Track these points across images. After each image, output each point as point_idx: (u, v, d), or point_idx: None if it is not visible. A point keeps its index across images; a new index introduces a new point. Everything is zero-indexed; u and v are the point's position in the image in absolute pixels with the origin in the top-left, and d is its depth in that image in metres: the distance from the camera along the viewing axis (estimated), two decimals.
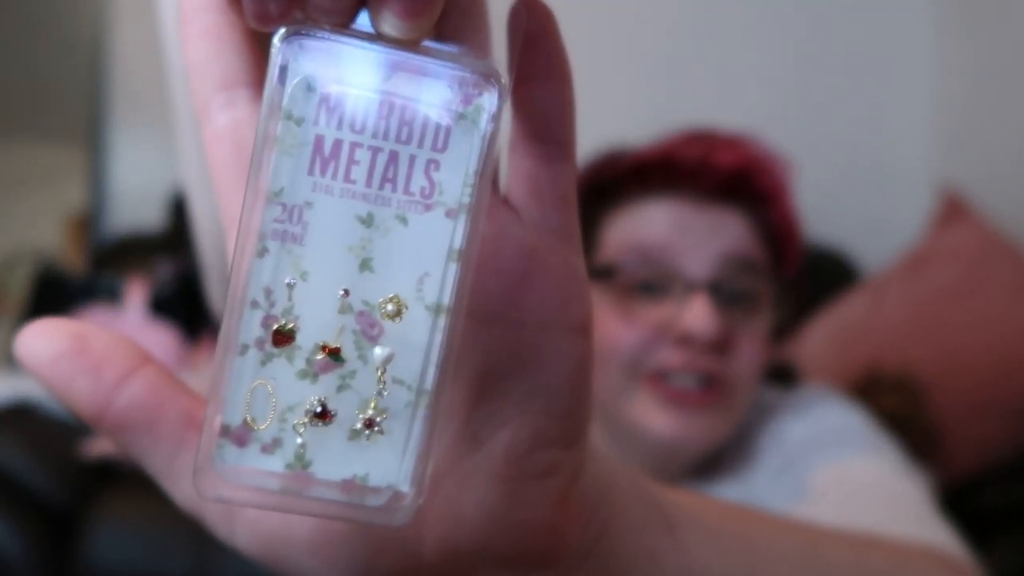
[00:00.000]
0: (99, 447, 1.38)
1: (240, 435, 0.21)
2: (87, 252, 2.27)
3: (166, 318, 1.85)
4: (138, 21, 2.23)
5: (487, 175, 0.21)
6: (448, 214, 0.21)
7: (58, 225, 2.33)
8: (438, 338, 0.21)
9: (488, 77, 0.21)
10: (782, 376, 0.88)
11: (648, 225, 0.71)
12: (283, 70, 0.20)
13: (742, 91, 1.99)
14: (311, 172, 0.20)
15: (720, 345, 0.68)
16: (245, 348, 0.21)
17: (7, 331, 2.10)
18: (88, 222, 2.29)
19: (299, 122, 0.20)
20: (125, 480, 1.36)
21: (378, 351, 0.21)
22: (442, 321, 0.21)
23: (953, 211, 1.52)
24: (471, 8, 0.23)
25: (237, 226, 0.22)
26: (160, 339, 1.78)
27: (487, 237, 0.24)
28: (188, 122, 0.45)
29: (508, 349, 0.24)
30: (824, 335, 1.47)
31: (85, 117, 2.29)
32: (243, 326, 0.21)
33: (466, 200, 0.21)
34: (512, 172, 0.25)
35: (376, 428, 0.21)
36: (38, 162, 2.36)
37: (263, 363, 0.21)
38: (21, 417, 1.46)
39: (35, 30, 2.35)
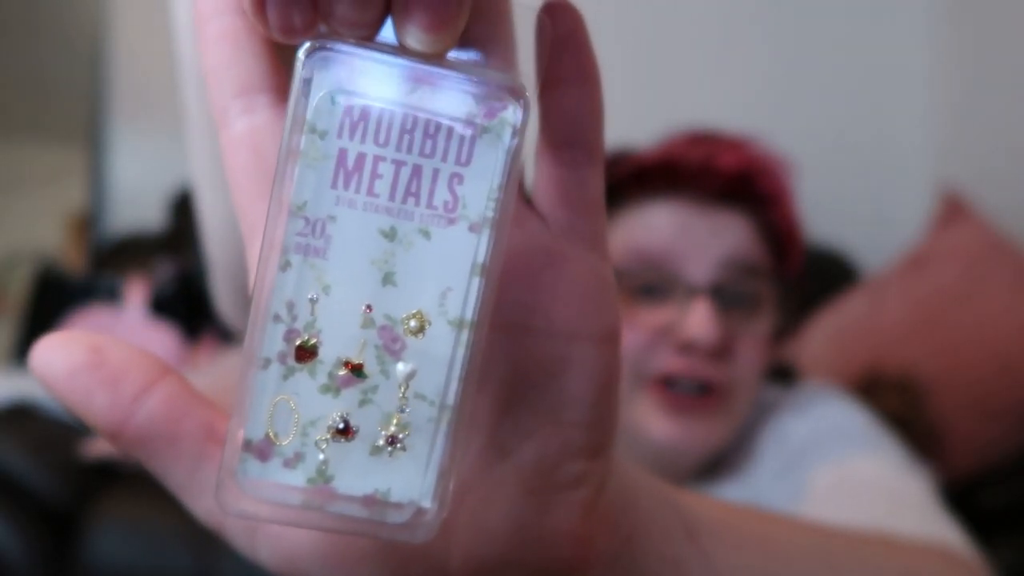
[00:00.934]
0: (99, 447, 1.38)
1: (262, 449, 0.21)
2: (87, 252, 2.27)
3: (166, 318, 1.85)
4: (138, 21, 2.23)
5: (511, 189, 0.21)
6: (471, 228, 0.21)
7: (58, 225, 2.33)
8: (461, 353, 0.21)
9: (512, 90, 0.21)
10: (782, 376, 0.88)
11: (650, 229, 0.70)
12: (307, 83, 0.20)
13: (742, 91, 1.99)
14: (334, 185, 0.20)
15: (721, 351, 0.68)
16: (267, 362, 0.21)
17: (7, 331, 2.10)
18: (88, 222, 2.29)
19: (323, 135, 0.20)
20: (125, 480, 1.36)
21: (401, 367, 0.21)
22: (465, 336, 0.21)
23: (953, 211, 1.52)
24: (495, 16, 0.23)
25: (257, 236, 0.21)
26: (160, 339, 1.78)
27: (513, 245, 0.24)
28: (197, 120, 0.45)
29: (535, 359, 0.24)
30: (824, 335, 1.47)
31: (85, 117, 2.29)
32: (266, 340, 0.21)
33: (490, 214, 0.21)
34: (539, 178, 0.25)
35: (399, 445, 0.21)
36: (38, 162, 2.35)
37: (285, 377, 0.21)
38: (21, 417, 1.46)
39: (35, 30, 2.35)
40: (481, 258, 0.21)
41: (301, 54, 0.20)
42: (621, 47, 1.92)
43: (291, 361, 0.21)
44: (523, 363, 0.24)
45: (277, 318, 0.21)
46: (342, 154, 0.20)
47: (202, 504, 0.25)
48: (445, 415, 0.21)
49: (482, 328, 0.21)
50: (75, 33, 2.32)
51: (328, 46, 0.20)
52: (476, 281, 0.21)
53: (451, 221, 0.21)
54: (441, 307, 0.21)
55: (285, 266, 0.20)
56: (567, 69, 0.23)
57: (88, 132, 2.29)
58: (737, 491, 0.71)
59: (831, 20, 2.02)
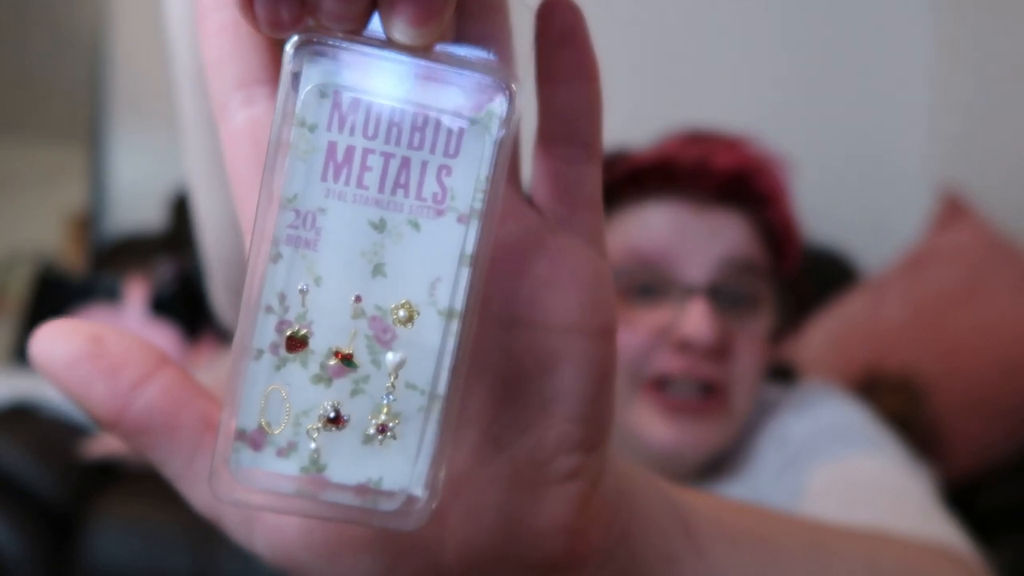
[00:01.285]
0: (99, 447, 1.38)
1: (255, 439, 0.21)
2: (87, 252, 2.27)
3: (166, 318, 1.85)
4: (138, 20, 2.23)
5: (499, 180, 0.21)
6: (460, 219, 0.21)
7: (58, 225, 2.33)
8: (451, 343, 0.21)
9: (499, 83, 0.21)
10: (782, 375, 0.88)
11: (647, 229, 0.70)
12: (295, 77, 0.20)
13: (742, 91, 2.00)
14: (324, 178, 0.21)
15: (719, 350, 0.68)
16: (260, 353, 0.21)
17: (7, 331, 2.10)
18: (88, 222, 2.29)
19: (312, 128, 0.20)
20: (125, 480, 1.36)
21: (390, 356, 0.21)
22: (454, 326, 0.21)
23: (953, 211, 1.52)
24: (493, 13, 0.23)
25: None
26: (160, 339, 1.78)
27: (510, 238, 0.24)
28: (192, 118, 0.45)
29: (530, 353, 0.24)
30: (824, 335, 1.47)
31: (85, 117, 2.29)
32: (257, 331, 0.21)
33: (478, 205, 0.21)
34: (537, 173, 0.25)
35: (389, 433, 0.21)
36: (38, 162, 2.36)
37: (277, 368, 0.21)
38: (21, 417, 1.46)
39: (35, 29, 2.35)
40: (470, 249, 0.21)
41: (289, 48, 0.20)
42: (622, 47, 1.92)
43: (283, 352, 0.21)
44: (519, 357, 0.24)
45: (268, 309, 0.21)
46: (331, 147, 0.21)
47: (199, 493, 0.25)
48: (436, 404, 0.22)
49: (471, 318, 0.21)
50: (75, 33, 2.33)
51: (316, 40, 0.20)
52: (465, 271, 0.21)
53: (440, 212, 0.21)
54: (430, 297, 0.21)
55: (276, 258, 0.21)
56: (566, 65, 0.24)
57: (88, 132, 2.29)
58: (737, 490, 0.71)
59: (833, 20, 2.03)
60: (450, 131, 0.21)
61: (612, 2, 1.92)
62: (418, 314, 0.21)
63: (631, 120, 0.97)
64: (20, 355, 1.93)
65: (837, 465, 0.65)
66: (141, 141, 2.29)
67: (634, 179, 0.72)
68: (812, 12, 2.02)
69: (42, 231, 2.32)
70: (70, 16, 2.37)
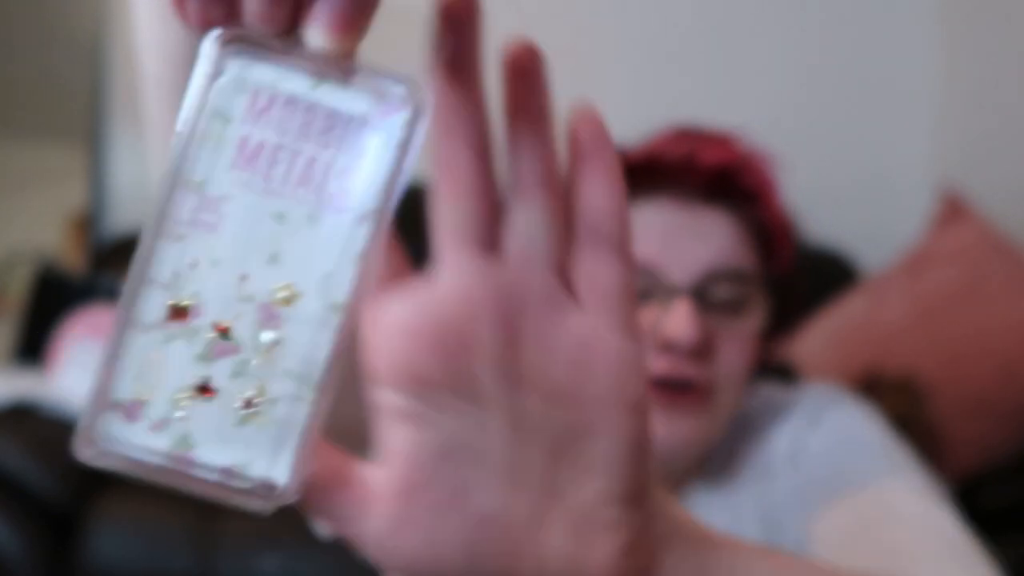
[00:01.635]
0: None
1: (130, 410, 0.22)
2: (87, 252, 2.27)
3: None
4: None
5: (398, 184, 0.22)
6: (357, 218, 0.22)
7: (58, 225, 2.33)
8: (331, 335, 0.22)
9: (407, 93, 0.22)
10: (782, 375, 0.88)
11: (635, 231, 0.70)
12: (215, 70, 0.21)
13: (744, 92, 1.99)
14: (233, 168, 0.22)
15: (702, 350, 0.68)
16: (146, 327, 0.22)
17: (7, 331, 2.10)
18: (88, 222, 2.29)
19: (226, 121, 0.21)
20: (125, 480, 1.36)
21: (264, 335, 0.22)
22: (338, 319, 0.22)
23: (953, 211, 1.52)
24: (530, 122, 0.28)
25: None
26: None
27: (550, 325, 0.28)
28: (157, 125, 0.46)
29: (573, 423, 0.29)
30: (824, 336, 1.47)
31: (85, 117, 2.29)
32: (145, 305, 0.22)
33: (375, 206, 0.22)
34: (578, 272, 0.29)
35: (253, 408, 0.22)
36: (38, 162, 2.36)
37: (162, 343, 0.22)
38: (21, 417, 1.46)
39: (35, 30, 2.36)
40: (363, 246, 0.22)
41: (210, 42, 0.21)
42: (625, 50, 1.92)
43: (168, 326, 0.22)
44: (564, 426, 0.29)
45: (160, 284, 0.22)
46: (243, 140, 0.22)
47: (372, 549, 0.28)
48: (308, 394, 0.23)
49: (354, 312, 0.23)
50: (76, 33, 2.33)
51: (238, 37, 0.21)
52: (355, 267, 0.22)
53: (338, 210, 0.22)
54: (320, 289, 0.22)
55: (177, 237, 0.22)
56: (591, 169, 0.29)
57: (88, 132, 2.29)
58: (749, 500, 0.71)
59: (834, 21, 2.02)
60: (357, 134, 0.22)
61: (620, 5, 1.92)
62: (302, 302, 0.22)
63: (635, 123, 0.97)
64: (20, 355, 1.93)
65: (862, 496, 0.64)
66: (141, 141, 2.29)
67: (624, 177, 0.72)
68: (815, 12, 2.02)
69: (42, 231, 2.33)
70: (70, 16, 2.37)
